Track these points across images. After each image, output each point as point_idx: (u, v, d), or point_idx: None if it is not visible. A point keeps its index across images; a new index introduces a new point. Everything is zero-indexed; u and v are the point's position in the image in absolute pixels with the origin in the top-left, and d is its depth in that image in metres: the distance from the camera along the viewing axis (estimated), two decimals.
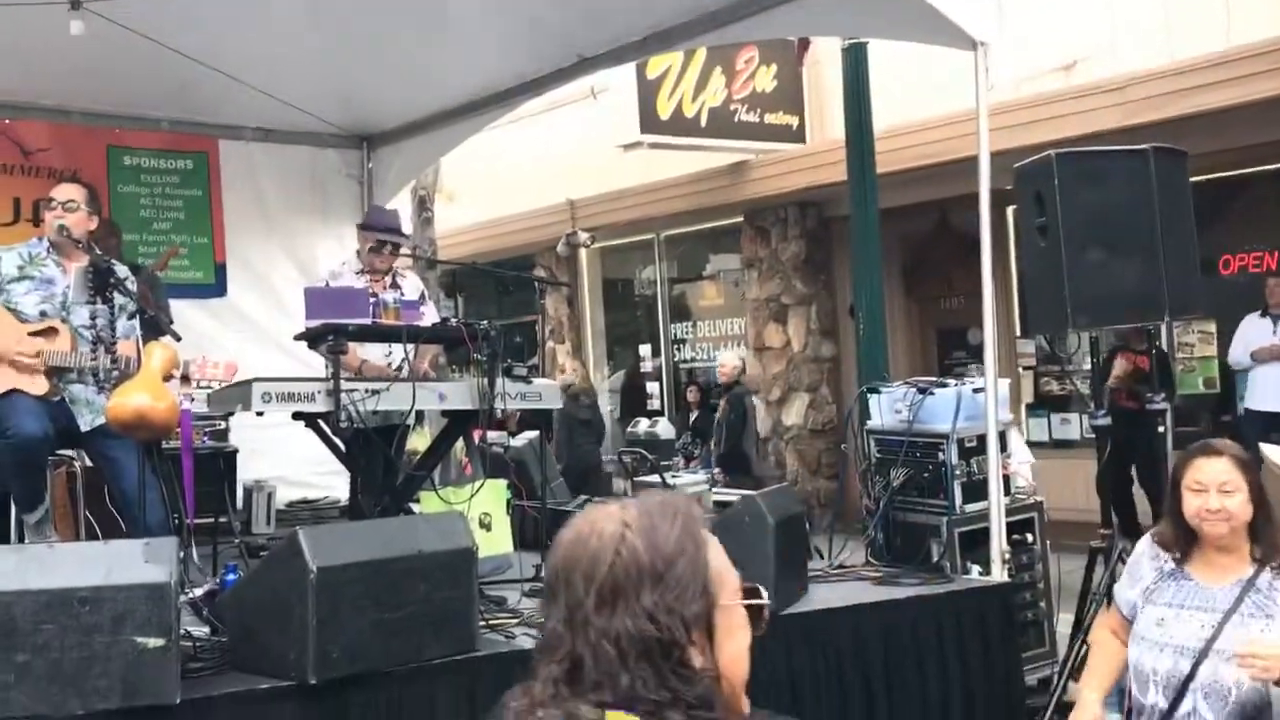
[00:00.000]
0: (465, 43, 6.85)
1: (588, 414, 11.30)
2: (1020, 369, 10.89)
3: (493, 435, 6.51)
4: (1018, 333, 10.75)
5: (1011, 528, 5.42)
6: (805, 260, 12.13)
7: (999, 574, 5.18)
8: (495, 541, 5.47)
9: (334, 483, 7.33)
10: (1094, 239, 4.95)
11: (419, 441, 7.26)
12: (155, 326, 5.16)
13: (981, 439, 5.37)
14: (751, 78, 11.54)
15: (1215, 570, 3.21)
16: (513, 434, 7.87)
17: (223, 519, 6.23)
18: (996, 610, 5.05)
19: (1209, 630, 3.13)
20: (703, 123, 11.39)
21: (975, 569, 5.27)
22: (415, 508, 5.82)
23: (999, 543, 5.20)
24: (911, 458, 5.50)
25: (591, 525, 1.44)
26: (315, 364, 5.64)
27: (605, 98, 11.97)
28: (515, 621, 4.35)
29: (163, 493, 5.09)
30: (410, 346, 5.88)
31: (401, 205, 9.37)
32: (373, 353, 6.06)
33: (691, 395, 13.04)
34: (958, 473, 5.40)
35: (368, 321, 5.63)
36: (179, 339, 5.06)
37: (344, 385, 5.17)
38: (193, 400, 5.49)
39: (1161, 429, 5.35)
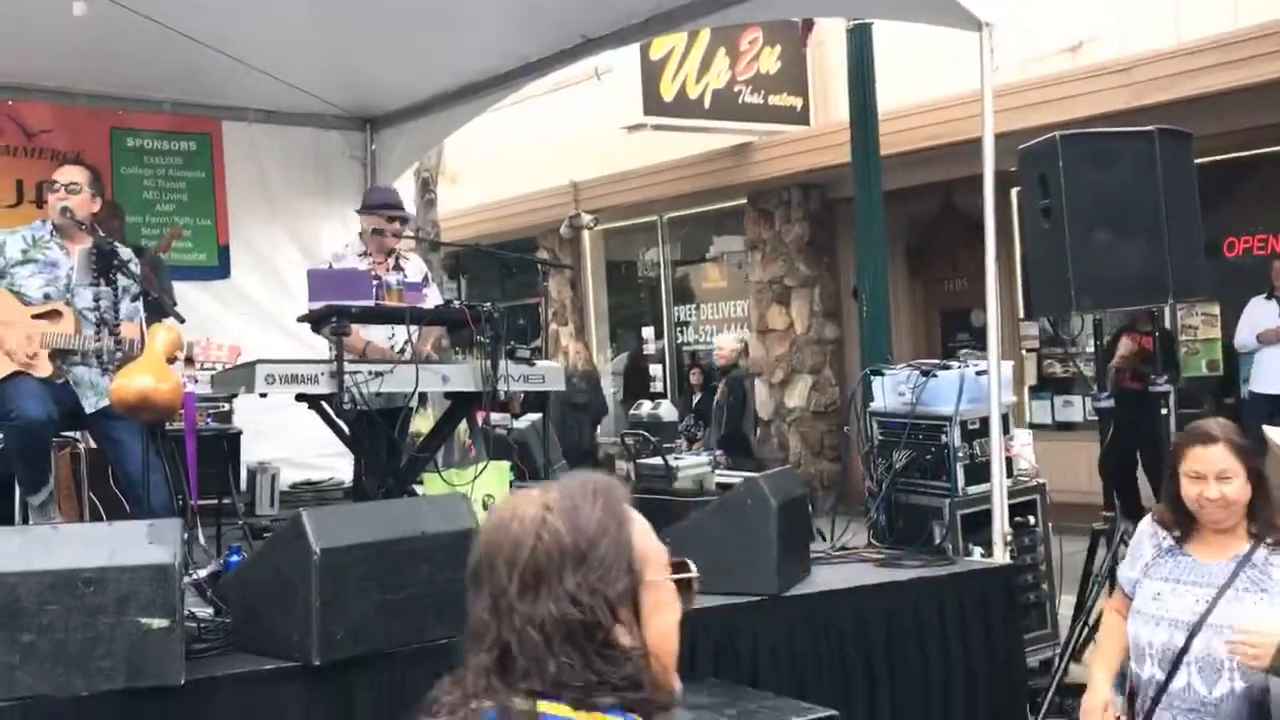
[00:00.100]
0: (468, 24, 6.83)
1: (582, 397, 11.30)
2: (1023, 351, 10.88)
3: (496, 417, 6.52)
4: (1021, 315, 10.73)
5: (1014, 510, 5.42)
6: (809, 242, 12.11)
7: (1001, 556, 5.19)
8: None
9: (338, 464, 7.34)
10: (1098, 221, 4.94)
11: (422, 423, 7.27)
12: (159, 309, 5.16)
13: (984, 421, 5.37)
14: (755, 59, 11.50)
15: (1213, 548, 3.24)
16: (516, 416, 7.88)
17: (226, 500, 6.26)
18: (998, 592, 5.06)
19: (1203, 605, 3.16)
20: (706, 104, 11.36)
21: (977, 551, 5.28)
22: (419, 489, 5.83)
23: (1001, 525, 5.20)
24: (914, 440, 5.50)
25: (513, 510, 1.43)
26: (319, 346, 5.64)
27: (609, 79, 11.94)
28: None
29: (166, 474, 5.11)
30: (413, 328, 5.88)
31: (405, 187, 9.36)
32: (376, 335, 6.06)
33: (694, 378, 13.05)
34: (960, 455, 5.40)
35: (371, 303, 5.63)
36: (182, 321, 5.06)
37: (347, 367, 5.17)
38: (196, 382, 5.49)
39: (1165, 411, 5.35)
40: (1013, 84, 8.51)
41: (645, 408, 12.69)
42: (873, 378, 5.88)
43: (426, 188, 12.22)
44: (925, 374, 5.54)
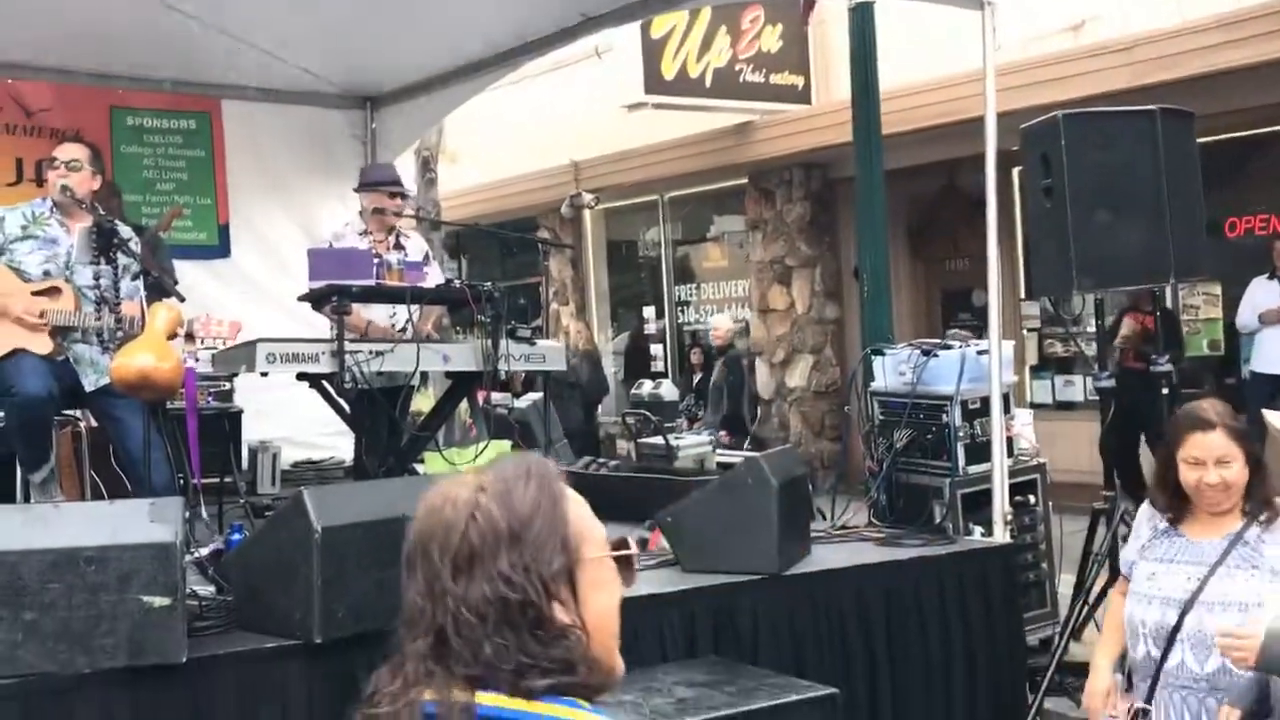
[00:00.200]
0: (468, 2, 6.80)
1: (575, 376, 11.31)
2: (1024, 330, 10.88)
3: (497, 397, 6.54)
4: (1022, 294, 10.73)
5: (1014, 489, 5.43)
6: (810, 222, 12.09)
7: (1001, 535, 5.20)
8: None
9: (339, 443, 7.34)
10: (1100, 200, 4.93)
11: (423, 403, 7.27)
12: (160, 288, 5.16)
13: (985, 401, 5.37)
14: (757, 37, 11.45)
15: (1206, 526, 3.26)
16: (517, 395, 7.89)
17: (228, 479, 6.26)
18: (998, 571, 5.07)
19: (1195, 582, 3.18)
20: (707, 83, 11.32)
21: (978, 530, 5.29)
22: (420, 469, 5.85)
23: (1001, 504, 5.21)
24: (915, 419, 5.50)
25: (445, 494, 1.42)
26: (319, 325, 5.64)
27: (609, 58, 11.90)
28: None
29: (168, 453, 5.11)
30: (414, 308, 5.88)
31: (405, 166, 9.34)
32: (377, 314, 6.06)
33: (695, 357, 13.06)
34: (961, 434, 5.40)
35: (371, 283, 5.63)
36: (183, 300, 5.06)
37: (348, 346, 5.18)
38: (197, 360, 5.50)
39: (1166, 391, 5.36)
40: (1015, 63, 8.48)
41: (646, 387, 12.71)
42: (873, 357, 5.88)
43: (427, 167, 12.20)
44: (926, 354, 5.54)
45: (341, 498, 3.83)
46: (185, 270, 6.93)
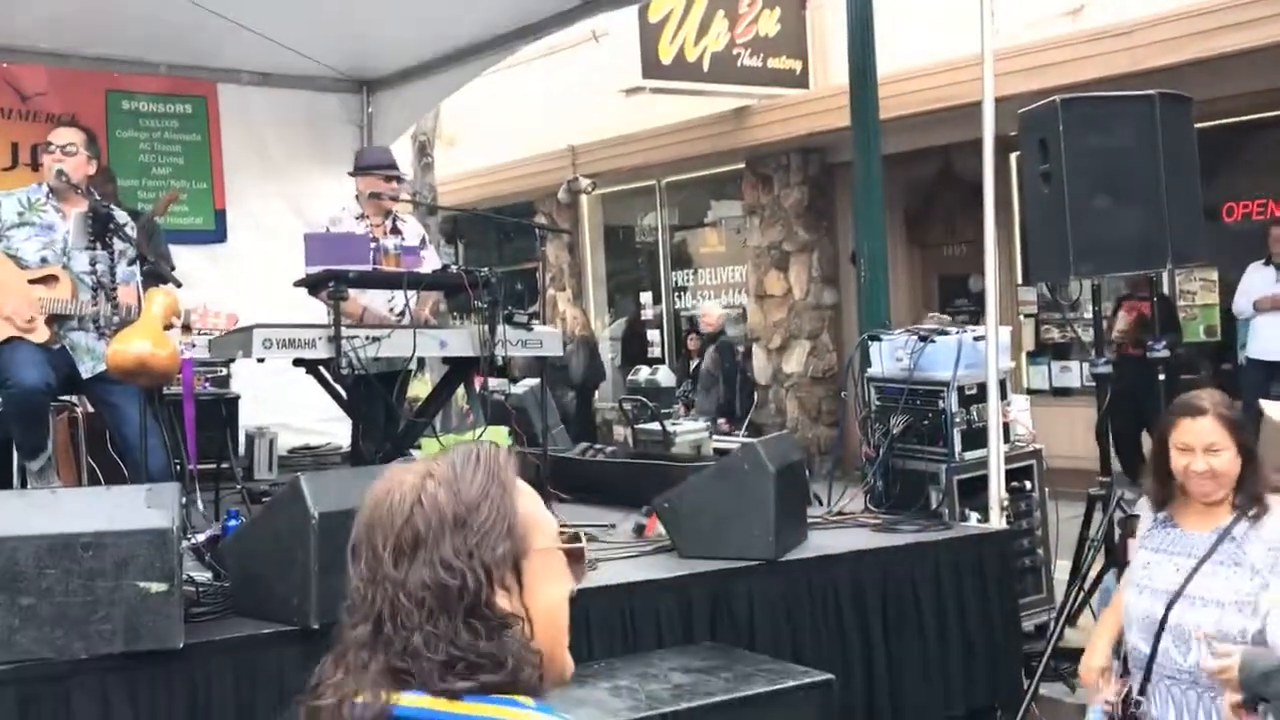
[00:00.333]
0: None
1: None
2: (1021, 316, 10.88)
3: (494, 383, 6.54)
4: (1019, 280, 10.72)
5: (1010, 475, 5.43)
6: (807, 207, 12.07)
7: (997, 521, 5.20)
8: None
9: (336, 429, 7.35)
10: (1098, 185, 4.92)
11: (420, 388, 7.27)
12: (156, 274, 5.14)
13: (982, 387, 5.37)
14: (754, 21, 11.42)
15: (1200, 519, 3.25)
16: (514, 380, 7.89)
17: (225, 465, 6.26)
18: (994, 557, 5.08)
19: (1182, 575, 3.19)
20: (705, 67, 11.28)
21: (974, 516, 5.29)
22: (416, 454, 5.84)
23: (998, 490, 5.22)
24: (911, 405, 5.50)
25: (393, 480, 1.40)
26: (316, 311, 5.64)
27: (607, 42, 11.86)
28: None
29: (164, 439, 5.11)
30: (411, 293, 5.87)
31: (401, 151, 9.32)
32: (374, 299, 6.05)
33: (692, 343, 13.06)
34: (957, 420, 5.41)
35: (368, 268, 5.62)
36: (179, 285, 5.05)
37: (345, 332, 5.17)
38: (194, 347, 5.49)
39: (1162, 376, 5.36)
40: (1013, 47, 8.46)
41: (643, 373, 12.71)
42: (870, 343, 5.88)
43: (423, 151, 12.17)
44: (923, 339, 5.54)
45: (338, 483, 3.83)
46: (181, 255, 6.91)
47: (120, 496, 3.44)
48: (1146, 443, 7.55)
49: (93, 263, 4.99)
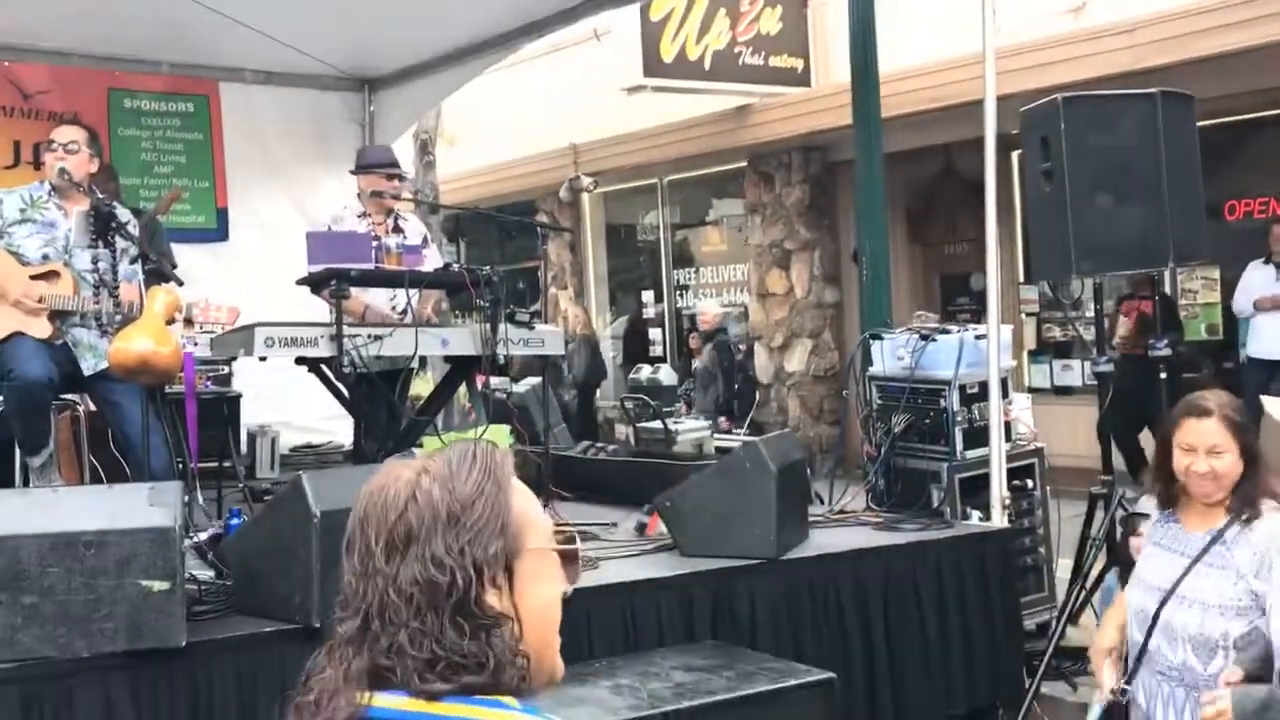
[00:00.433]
0: None
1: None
2: (1023, 315, 10.87)
3: (495, 381, 6.53)
4: (1021, 278, 10.72)
5: (1012, 474, 5.43)
6: (809, 205, 12.07)
7: (999, 520, 5.20)
8: None
9: (337, 428, 7.35)
10: (1100, 184, 4.92)
11: (422, 387, 7.27)
12: (159, 273, 5.15)
13: (983, 385, 5.37)
14: (756, 20, 11.42)
15: (1201, 519, 3.27)
16: (515, 379, 7.89)
17: (227, 463, 6.27)
18: (996, 555, 5.08)
19: (1176, 573, 3.21)
20: (706, 66, 11.28)
21: (975, 515, 5.29)
22: (418, 453, 5.84)
23: (999, 489, 5.22)
24: (913, 404, 5.50)
25: (388, 475, 1.39)
26: (319, 309, 5.64)
27: (608, 40, 11.86)
28: None
29: (166, 437, 5.11)
30: (413, 291, 5.88)
31: (403, 149, 9.32)
32: (376, 298, 6.05)
33: (694, 342, 13.07)
34: (959, 419, 5.41)
35: (370, 266, 5.62)
36: (181, 284, 5.05)
37: (347, 330, 5.17)
38: (196, 344, 5.49)
39: (1164, 375, 5.36)
40: (1015, 45, 8.45)
41: (645, 371, 12.72)
42: (872, 342, 5.88)
43: (425, 150, 12.17)
44: (924, 338, 5.54)
45: (340, 482, 3.83)
46: (183, 254, 6.92)
47: (122, 495, 3.44)
48: (1145, 441, 7.61)
49: (95, 261, 5.00)
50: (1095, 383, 5.91)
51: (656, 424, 7.35)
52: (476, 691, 1.30)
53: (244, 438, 7.19)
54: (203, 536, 4.31)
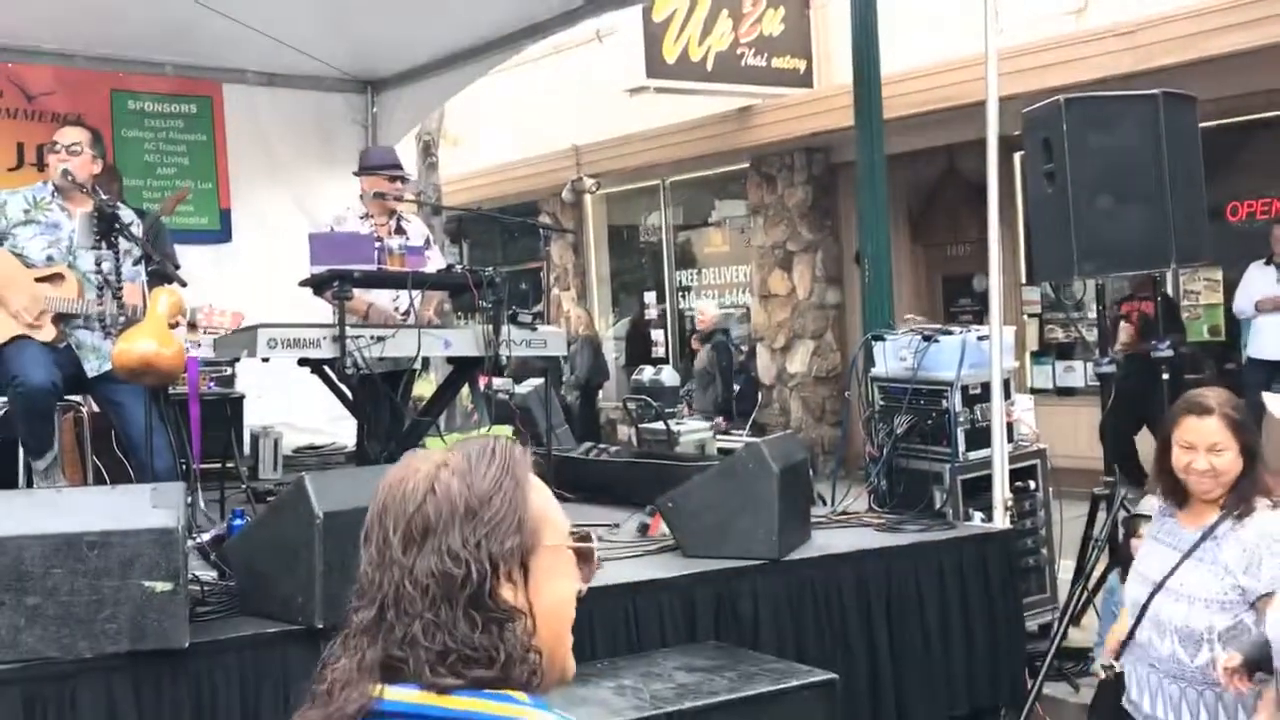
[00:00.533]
0: None
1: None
2: (1025, 316, 10.87)
3: (498, 382, 6.55)
4: (1023, 279, 10.72)
5: (1014, 475, 5.43)
6: (811, 206, 12.07)
7: (1001, 521, 5.20)
8: None
9: (341, 429, 7.35)
10: (1102, 185, 4.92)
11: (425, 388, 7.28)
12: (162, 274, 5.15)
13: (985, 386, 5.38)
14: (758, 21, 11.42)
15: (1196, 515, 3.30)
16: (515, 380, 7.89)
17: (230, 465, 6.27)
18: (998, 556, 5.08)
19: (1168, 566, 3.25)
20: (709, 67, 11.29)
21: (978, 516, 5.29)
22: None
23: (1001, 490, 5.22)
24: (915, 405, 5.51)
25: (407, 467, 1.40)
26: (321, 310, 5.65)
27: (611, 42, 11.86)
28: None
29: (170, 438, 5.11)
30: (416, 292, 5.88)
31: (406, 151, 9.33)
32: (379, 299, 6.06)
33: (696, 343, 13.06)
34: (961, 420, 5.41)
35: (373, 268, 5.63)
36: (185, 285, 5.06)
37: (349, 331, 5.18)
38: (199, 346, 5.50)
39: (1166, 376, 5.36)
40: (1017, 47, 8.45)
41: (647, 373, 12.71)
42: (874, 343, 5.88)
43: (428, 151, 12.19)
44: (927, 339, 5.55)
45: (343, 483, 3.84)
46: (186, 255, 6.91)
47: (126, 496, 3.45)
48: (1140, 442, 7.60)
49: (98, 262, 5.00)
50: (1098, 384, 5.91)
51: (659, 425, 7.36)
52: (487, 686, 1.31)
53: (247, 439, 7.19)
54: (206, 537, 4.32)
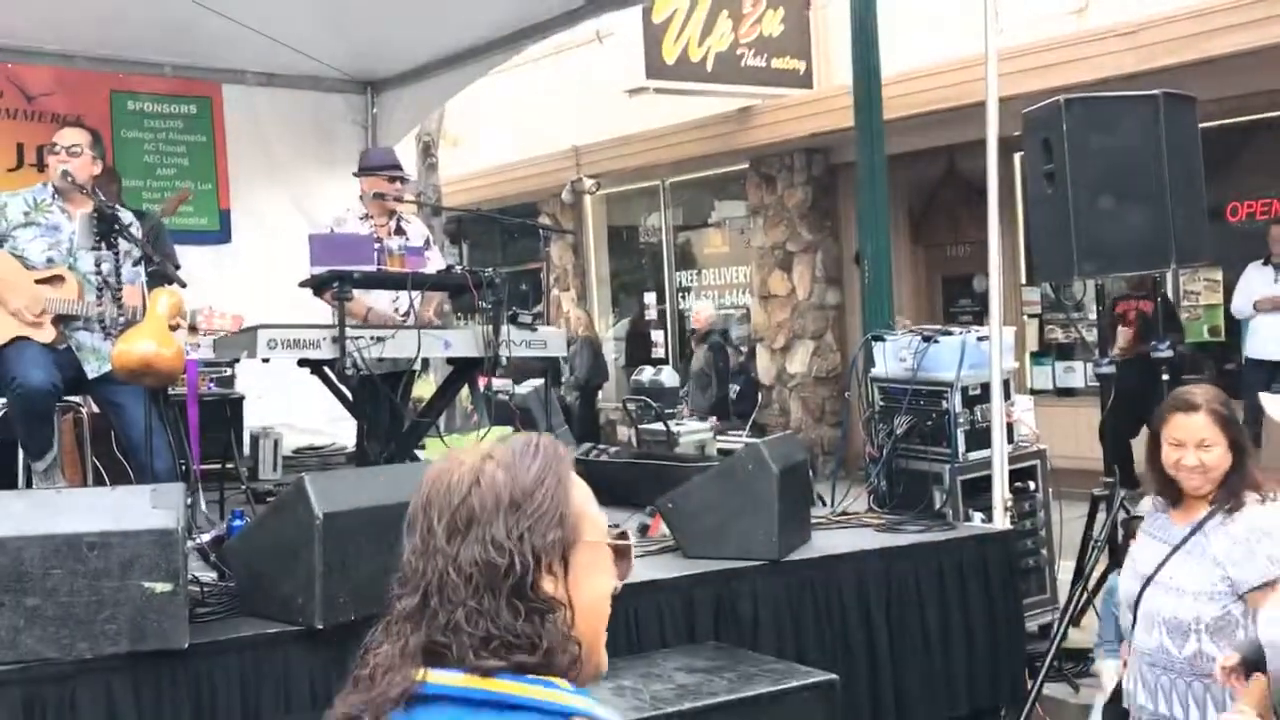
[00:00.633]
0: None
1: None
2: (1025, 316, 10.87)
3: (498, 383, 6.55)
4: (1023, 280, 10.72)
5: (1014, 475, 5.43)
6: (811, 207, 12.07)
7: (1001, 521, 5.20)
8: None
9: (340, 430, 7.35)
10: (1102, 185, 4.93)
11: (424, 389, 7.28)
12: (163, 275, 5.15)
13: (985, 387, 5.38)
14: (758, 21, 11.42)
15: (1187, 511, 3.33)
16: (515, 380, 7.90)
17: (229, 465, 6.27)
18: (998, 557, 5.08)
19: (1158, 560, 3.29)
20: (709, 67, 11.29)
21: (978, 516, 5.29)
22: (421, 455, 5.85)
23: (1001, 490, 5.22)
24: (915, 405, 5.51)
25: (453, 459, 1.44)
26: (321, 311, 5.65)
27: (611, 42, 11.87)
28: None
29: (169, 439, 5.11)
30: (416, 293, 5.88)
31: (406, 151, 9.33)
32: (380, 301, 6.06)
33: (694, 344, 13.06)
34: (961, 420, 5.41)
35: (373, 268, 5.63)
36: (185, 286, 5.06)
37: (349, 332, 5.17)
38: (199, 347, 5.50)
39: (1166, 377, 5.36)
40: (1017, 47, 8.45)
41: (647, 373, 12.72)
42: (874, 343, 5.88)
43: (428, 152, 12.19)
44: (926, 340, 5.55)
45: (343, 484, 3.84)
46: (186, 256, 6.90)
47: (125, 497, 3.44)
48: (1139, 446, 7.60)
49: (98, 263, 5.00)
50: (1098, 384, 5.91)
51: (658, 425, 7.36)
52: (530, 671, 1.34)
53: (247, 440, 7.19)
54: (205, 538, 4.32)
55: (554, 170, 13.70)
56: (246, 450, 7.12)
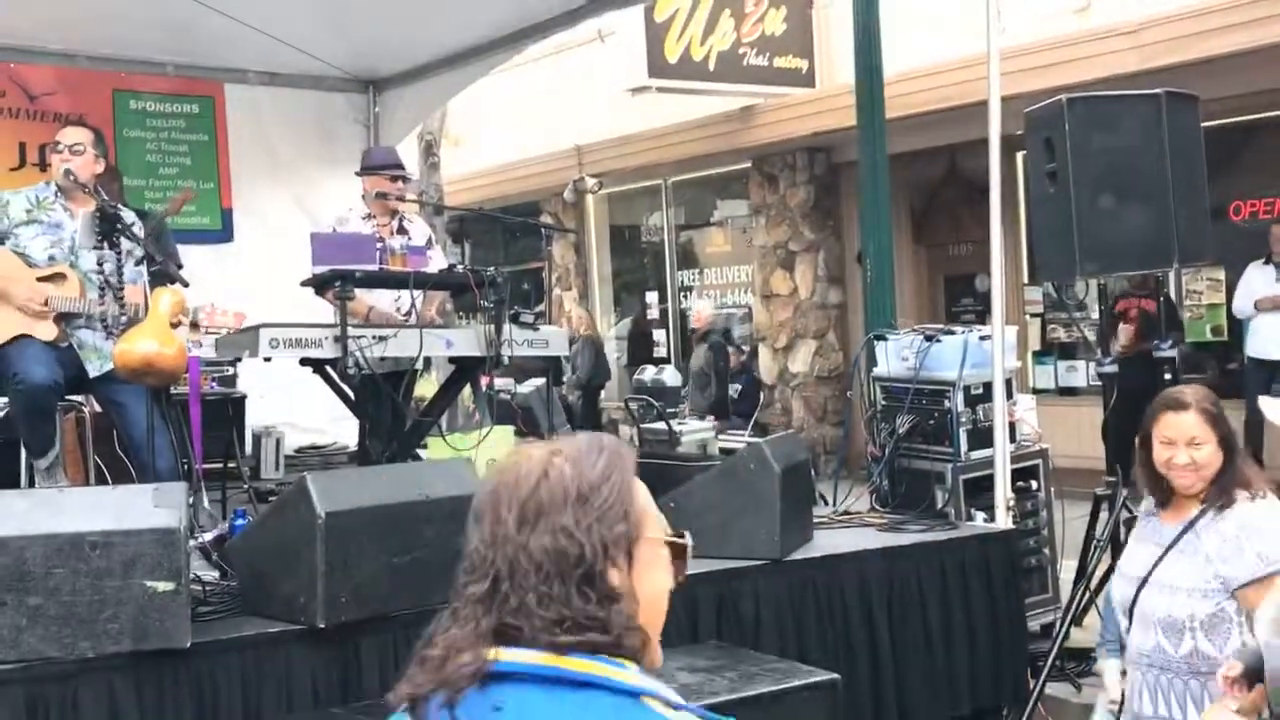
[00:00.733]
0: None
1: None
2: (1027, 316, 10.87)
3: (500, 382, 6.55)
4: (1025, 279, 10.71)
5: (1016, 475, 5.43)
6: (813, 206, 12.07)
7: (1003, 521, 5.20)
8: None
9: (342, 429, 7.35)
10: (1104, 185, 4.92)
11: (426, 388, 7.28)
12: (165, 275, 5.15)
13: (987, 386, 5.37)
14: (760, 20, 11.42)
15: (1178, 511, 3.34)
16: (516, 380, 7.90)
17: (231, 464, 6.27)
18: (1000, 557, 5.08)
19: (1150, 562, 3.30)
20: (711, 67, 11.29)
21: (980, 516, 5.29)
22: (423, 454, 5.85)
23: (1003, 490, 5.22)
24: (917, 405, 5.51)
25: (521, 453, 1.48)
26: (323, 310, 5.65)
27: (613, 41, 11.87)
28: None
29: (172, 438, 5.12)
30: (418, 292, 5.88)
31: (408, 151, 9.33)
32: (382, 301, 6.06)
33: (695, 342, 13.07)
34: (963, 420, 5.41)
35: (375, 267, 5.63)
36: (187, 285, 5.06)
37: (351, 331, 5.17)
38: (201, 346, 5.50)
39: (1169, 376, 5.35)
40: (1019, 46, 8.45)
41: (649, 373, 12.72)
42: (876, 343, 5.88)
43: (430, 151, 12.18)
44: (929, 339, 5.55)
45: (345, 483, 3.84)
46: (188, 254, 6.89)
47: (127, 496, 3.44)
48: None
49: (100, 262, 5.01)
50: (1100, 383, 5.90)
51: (660, 425, 7.34)
52: (602, 650, 1.37)
53: (249, 439, 7.19)
54: (208, 537, 4.32)
55: (556, 169, 13.70)
56: (248, 449, 7.13)
